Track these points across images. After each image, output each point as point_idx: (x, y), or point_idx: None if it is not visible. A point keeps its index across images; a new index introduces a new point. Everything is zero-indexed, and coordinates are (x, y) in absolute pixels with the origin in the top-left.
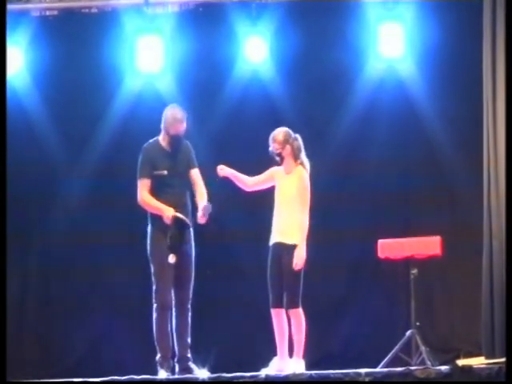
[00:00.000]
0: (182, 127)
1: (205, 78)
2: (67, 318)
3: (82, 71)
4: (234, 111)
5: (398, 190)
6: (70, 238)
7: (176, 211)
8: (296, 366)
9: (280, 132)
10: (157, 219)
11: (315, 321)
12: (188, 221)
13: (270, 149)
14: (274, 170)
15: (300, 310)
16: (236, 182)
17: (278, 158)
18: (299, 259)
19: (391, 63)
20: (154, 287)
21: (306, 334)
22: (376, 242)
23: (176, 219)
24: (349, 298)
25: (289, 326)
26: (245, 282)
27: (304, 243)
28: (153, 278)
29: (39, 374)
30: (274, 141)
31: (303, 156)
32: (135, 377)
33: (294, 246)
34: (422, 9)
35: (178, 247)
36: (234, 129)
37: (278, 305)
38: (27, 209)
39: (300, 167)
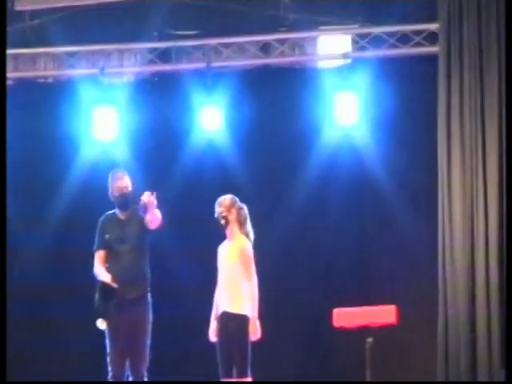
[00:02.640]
0: (123, 184)
1: (160, 147)
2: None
3: (37, 140)
4: (189, 179)
5: (354, 255)
6: None
7: (125, 278)
8: None
9: (226, 197)
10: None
11: None
12: (114, 285)
13: (216, 214)
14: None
15: (249, 379)
16: None
17: (223, 222)
18: (254, 331)
19: (346, 131)
20: (107, 358)
21: None
22: (331, 311)
23: (101, 284)
24: (305, 366)
25: None
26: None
27: (256, 314)
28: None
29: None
30: (220, 205)
31: (249, 226)
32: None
33: (242, 316)
34: (376, 76)
35: (104, 312)
36: (189, 197)
37: (229, 374)
38: None
39: (243, 236)
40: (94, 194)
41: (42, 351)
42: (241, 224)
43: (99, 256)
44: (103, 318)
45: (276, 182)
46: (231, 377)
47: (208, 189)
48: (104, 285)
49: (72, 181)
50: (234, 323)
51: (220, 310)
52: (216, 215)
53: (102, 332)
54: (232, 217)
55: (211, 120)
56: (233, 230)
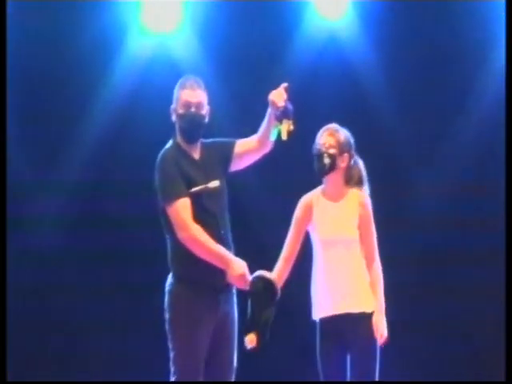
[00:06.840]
0: (195, 98)
1: (250, 43)
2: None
3: (70, 30)
4: (300, 89)
5: None
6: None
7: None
8: None
9: (343, 130)
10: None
11: None
12: (274, 279)
13: (317, 146)
14: (306, 201)
15: None
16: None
17: (327, 161)
18: (382, 329)
19: None
20: (172, 369)
21: None
22: None
23: (262, 280)
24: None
25: None
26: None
27: (383, 305)
28: (172, 354)
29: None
30: (332, 134)
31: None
32: None
33: (367, 314)
34: None
35: (256, 324)
36: (299, 107)
37: None
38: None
39: (355, 190)
40: (144, 106)
41: None
42: (349, 180)
43: (185, 207)
44: (256, 331)
45: (419, 99)
46: None
47: (325, 98)
48: (263, 279)
49: (116, 85)
50: (357, 326)
51: (326, 313)
52: (317, 148)
53: None
54: (342, 162)
55: (332, 4)
56: (337, 183)
